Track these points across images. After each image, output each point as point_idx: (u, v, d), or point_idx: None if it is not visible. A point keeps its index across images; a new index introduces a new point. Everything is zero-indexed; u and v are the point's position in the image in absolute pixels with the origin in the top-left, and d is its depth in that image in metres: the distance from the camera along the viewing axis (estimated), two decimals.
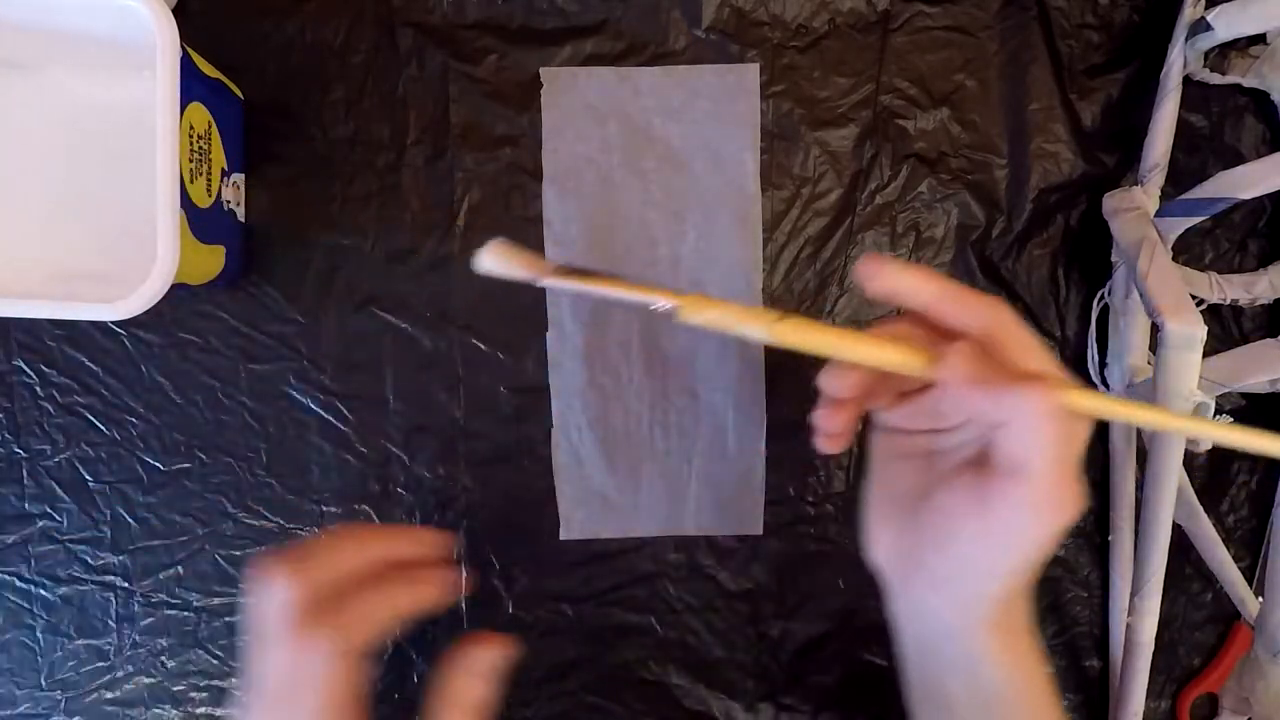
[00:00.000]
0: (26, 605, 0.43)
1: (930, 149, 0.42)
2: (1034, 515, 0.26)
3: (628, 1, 0.42)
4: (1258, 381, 0.41)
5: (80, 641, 0.43)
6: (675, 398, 0.43)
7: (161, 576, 0.43)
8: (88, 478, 0.43)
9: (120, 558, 0.43)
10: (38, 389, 0.42)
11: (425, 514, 0.43)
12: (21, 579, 0.43)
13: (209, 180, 0.37)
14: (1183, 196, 0.39)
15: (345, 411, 0.43)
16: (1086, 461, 0.43)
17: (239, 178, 0.41)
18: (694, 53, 0.42)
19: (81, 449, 0.43)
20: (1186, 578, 0.44)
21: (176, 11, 0.36)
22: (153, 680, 0.43)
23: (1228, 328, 0.44)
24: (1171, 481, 0.36)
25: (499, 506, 0.43)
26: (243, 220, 0.42)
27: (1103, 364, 0.43)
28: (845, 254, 0.43)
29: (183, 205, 0.34)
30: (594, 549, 0.43)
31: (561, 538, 0.43)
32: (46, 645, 0.43)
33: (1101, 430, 0.43)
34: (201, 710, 0.44)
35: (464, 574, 0.43)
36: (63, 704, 0.44)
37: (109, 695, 0.44)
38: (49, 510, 0.43)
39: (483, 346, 0.43)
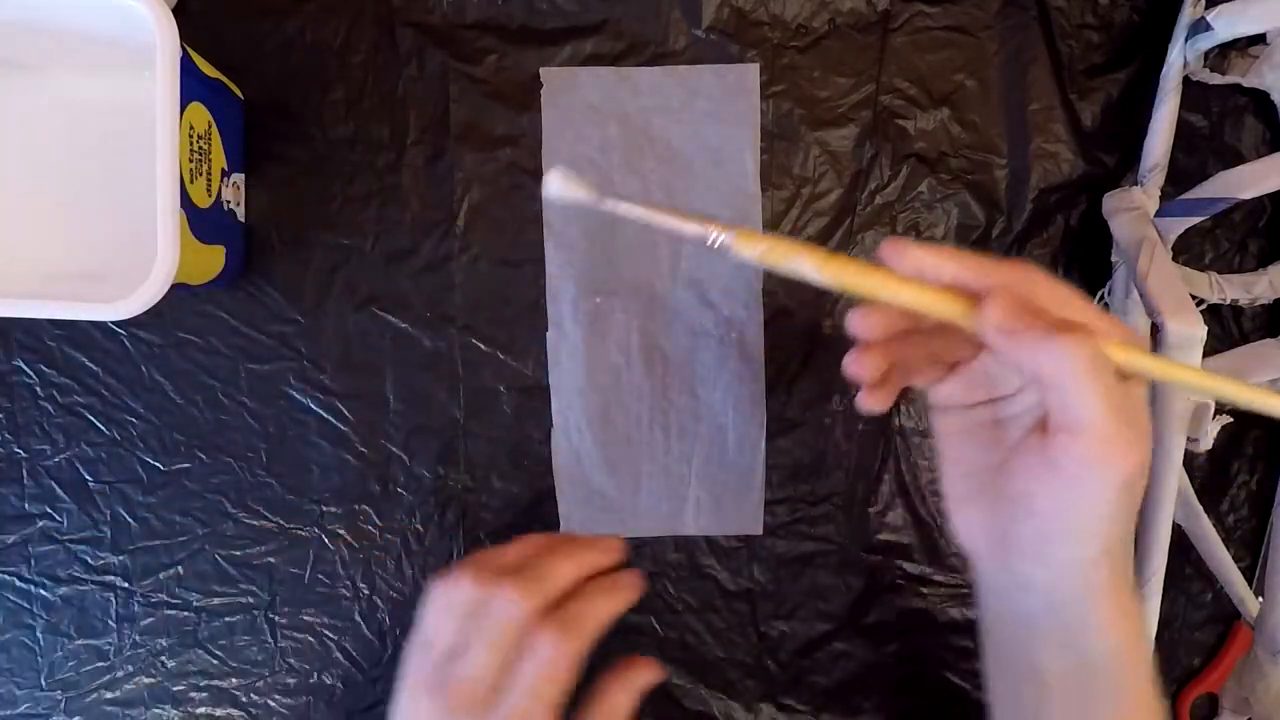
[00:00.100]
0: (26, 605, 0.43)
1: (930, 149, 0.42)
2: (1097, 469, 0.26)
3: (628, 1, 0.42)
4: (1258, 382, 0.41)
5: (80, 641, 0.43)
6: (675, 398, 0.43)
7: (161, 576, 0.43)
8: (88, 478, 0.43)
9: (120, 558, 0.43)
10: (38, 389, 0.42)
11: (425, 514, 0.43)
12: (21, 579, 0.43)
13: (209, 180, 0.37)
14: (1183, 196, 0.39)
15: (345, 411, 0.43)
16: None
17: (239, 178, 0.41)
18: (694, 53, 0.42)
19: (81, 449, 0.43)
20: (1186, 578, 0.44)
21: (176, 11, 0.36)
22: (153, 680, 0.44)
23: (1228, 328, 0.44)
24: (1171, 481, 0.36)
25: (499, 506, 0.43)
26: (243, 220, 0.42)
27: None
28: (845, 254, 0.43)
29: (183, 205, 0.34)
30: None
31: None
32: (46, 645, 0.43)
33: None
34: (201, 710, 0.44)
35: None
36: (63, 704, 0.44)
37: (109, 695, 0.44)
38: (49, 510, 0.43)
39: (483, 346, 0.43)
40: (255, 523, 0.43)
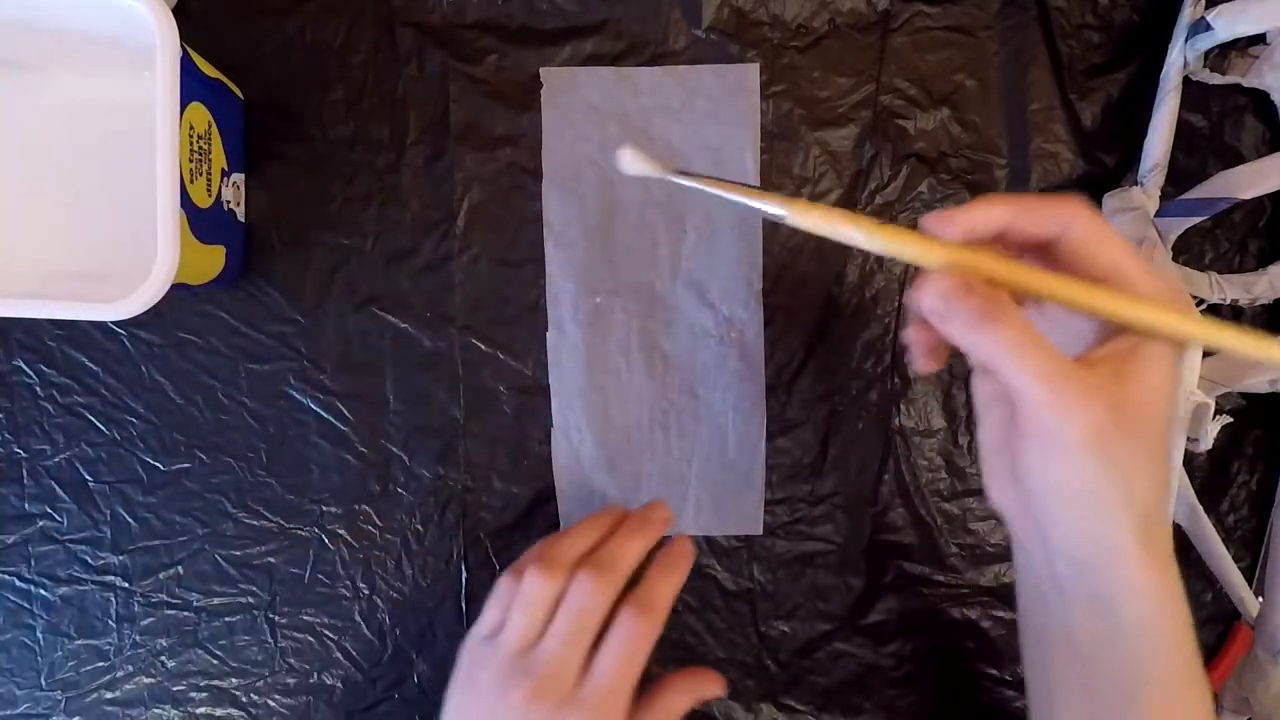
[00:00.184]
0: (26, 605, 0.43)
1: (930, 149, 0.42)
2: (1048, 436, 0.27)
3: (628, 1, 0.42)
4: (1258, 381, 0.41)
5: (80, 641, 0.43)
6: (675, 398, 0.43)
7: (161, 576, 0.43)
8: (88, 478, 0.43)
9: (120, 558, 0.43)
10: (38, 389, 0.42)
11: (425, 514, 0.43)
12: (21, 579, 0.43)
13: (209, 180, 0.37)
14: (1183, 196, 0.39)
15: (345, 411, 0.43)
16: None
17: (239, 178, 0.41)
18: (694, 53, 0.42)
19: (81, 449, 0.43)
20: (1186, 578, 0.44)
21: (176, 11, 0.36)
22: (153, 680, 0.44)
23: None
24: (1172, 481, 0.36)
25: (499, 507, 0.43)
26: (243, 220, 0.42)
27: None
28: (845, 254, 0.43)
29: (183, 205, 0.34)
30: None
31: None
32: (46, 645, 0.43)
33: None
34: (201, 710, 0.44)
35: (464, 572, 0.43)
36: (63, 704, 0.44)
37: (109, 695, 0.44)
38: (49, 510, 0.43)
39: (483, 346, 0.43)
40: (255, 523, 0.43)
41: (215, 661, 0.43)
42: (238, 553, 0.43)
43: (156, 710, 0.44)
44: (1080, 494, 0.28)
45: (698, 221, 0.42)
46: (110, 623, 0.43)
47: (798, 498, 0.43)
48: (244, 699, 0.44)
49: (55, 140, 0.40)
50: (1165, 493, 0.29)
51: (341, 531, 0.43)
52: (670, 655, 0.44)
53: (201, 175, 0.37)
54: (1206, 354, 0.36)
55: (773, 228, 0.42)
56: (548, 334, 0.42)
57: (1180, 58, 0.40)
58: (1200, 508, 0.41)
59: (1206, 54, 0.40)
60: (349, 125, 0.42)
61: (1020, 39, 0.42)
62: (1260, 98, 0.42)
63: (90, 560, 0.43)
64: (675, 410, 0.43)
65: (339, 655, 0.44)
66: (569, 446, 0.43)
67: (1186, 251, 0.43)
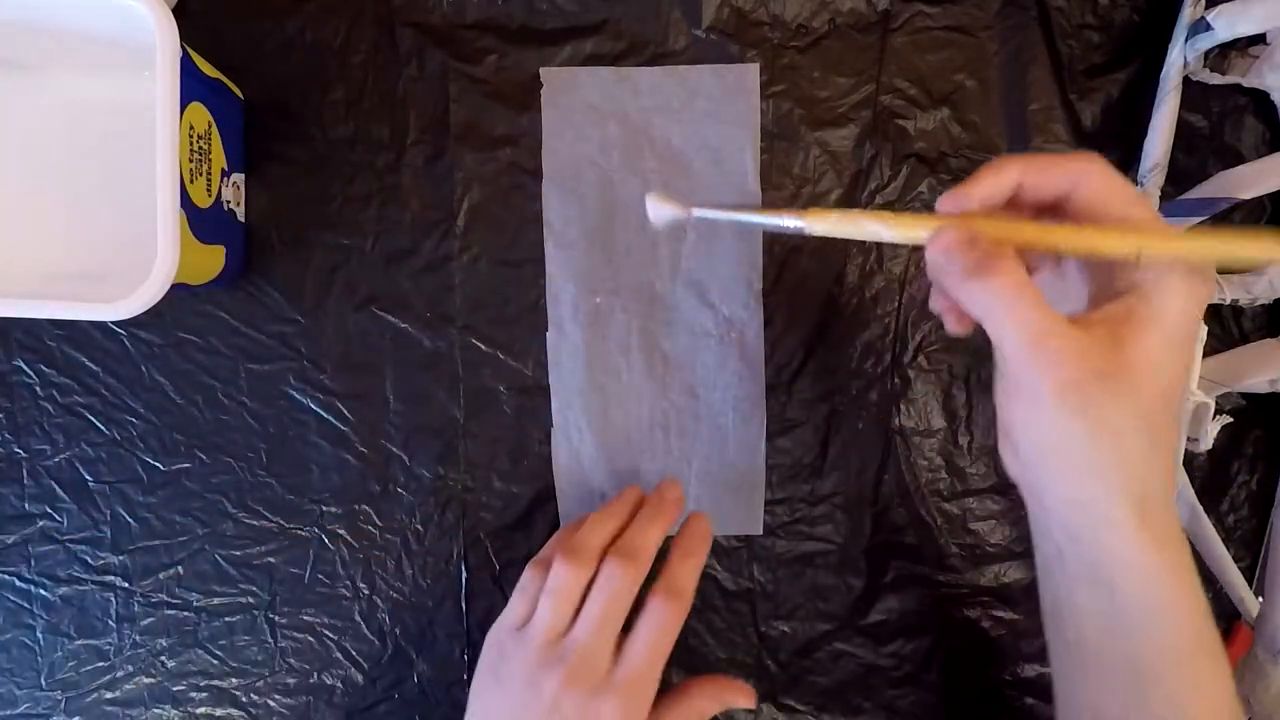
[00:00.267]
0: (26, 605, 0.43)
1: (930, 149, 0.42)
2: (1025, 394, 0.28)
3: (628, 1, 0.42)
4: (1258, 381, 0.41)
5: (80, 641, 0.43)
6: (675, 398, 0.43)
7: (161, 576, 0.43)
8: (88, 478, 0.43)
9: (120, 558, 0.43)
10: (38, 389, 0.42)
11: (425, 514, 0.43)
12: (21, 579, 0.43)
13: (209, 180, 0.37)
14: (1183, 196, 0.39)
15: (345, 411, 0.43)
16: None
17: (239, 178, 0.41)
18: (694, 53, 0.42)
19: (81, 449, 0.43)
20: None
21: (176, 11, 0.36)
22: (153, 680, 0.44)
23: (1228, 328, 0.44)
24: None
25: (499, 507, 0.43)
26: (243, 220, 0.42)
27: None
28: (846, 254, 0.43)
29: (183, 205, 0.34)
30: None
31: None
32: (46, 645, 0.43)
33: None
34: (201, 710, 0.44)
35: (464, 572, 0.43)
36: (63, 704, 0.44)
37: (109, 695, 0.44)
38: (49, 510, 0.43)
39: (483, 346, 0.43)
40: (255, 523, 0.43)
41: (215, 661, 0.43)
42: (238, 553, 0.43)
43: (156, 710, 0.44)
44: (1065, 455, 0.28)
45: (698, 221, 0.42)
46: (110, 623, 0.43)
47: (798, 498, 0.43)
48: (244, 699, 0.44)
49: (55, 140, 0.40)
50: (1168, 469, 0.29)
51: (341, 531, 0.43)
52: (671, 655, 0.44)
53: (201, 175, 0.37)
54: (1206, 354, 0.36)
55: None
56: (548, 334, 0.42)
57: (1180, 58, 0.40)
58: (1200, 508, 0.41)
59: (1206, 54, 0.40)
60: (349, 125, 0.42)
61: (1020, 39, 0.42)
62: (1260, 98, 0.42)
63: (90, 560, 0.43)
64: (675, 410, 0.43)
65: (339, 655, 0.44)
66: (569, 446, 0.43)
67: None
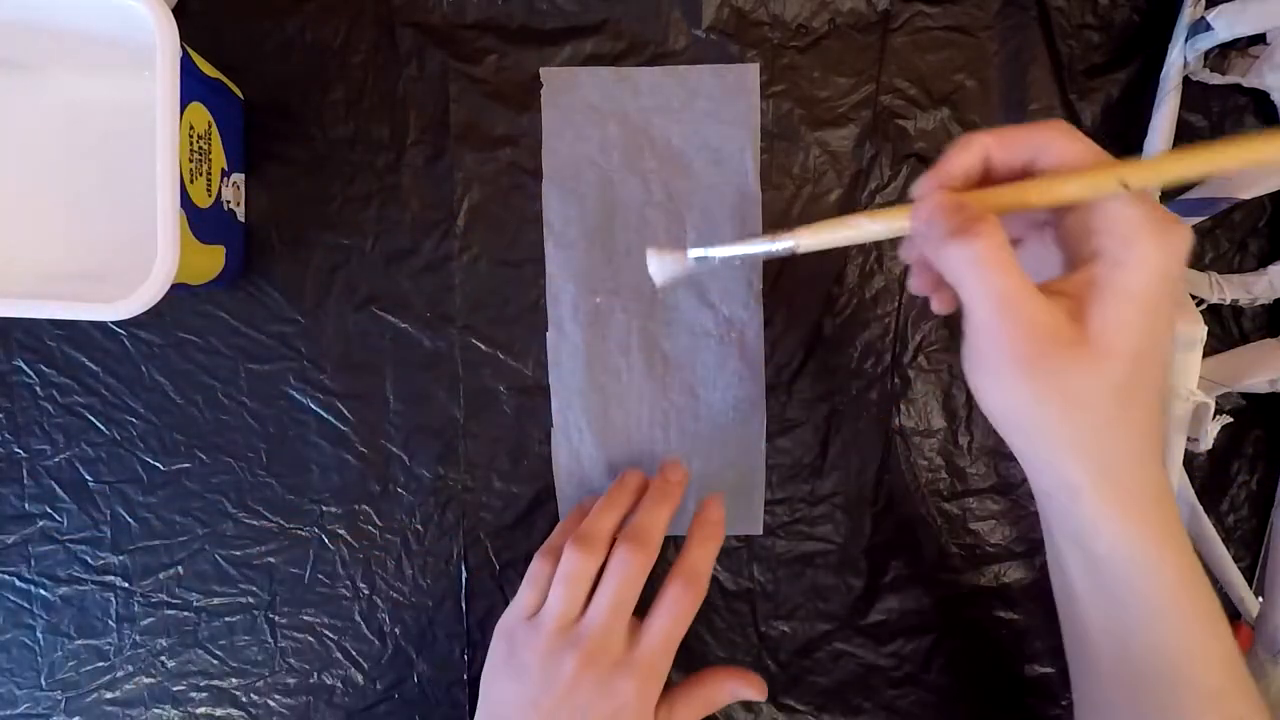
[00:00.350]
0: (26, 605, 0.43)
1: (930, 149, 0.42)
2: (987, 362, 0.28)
3: (628, 1, 0.42)
4: (1258, 381, 0.41)
5: (80, 641, 0.43)
6: (675, 398, 0.43)
7: (161, 576, 0.43)
8: (88, 478, 0.43)
9: (120, 558, 0.43)
10: (38, 389, 0.42)
11: (425, 514, 0.43)
12: (21, 579, 0.43)
13: (209, 180, 0.37)
14: (1183, 196, 0.39)
15: (345, 411, 0.43)
16: None
17: (239, 178, 0.41)
18: (694, 53, 0.42)
19: (81, 449, 0.43)
20: None
21: (176, 11, 0.36)
22: (153, 680, 0.44)
23: (1228, 328, 0.44)
24: (1172, 481, 0.36)
25: (499, 507, 0.43)
26: (243, 220, 0.42)
27: None
28: (845, 254, 0.43)
29: (183, 205, 0.34)
30: None
31: None
32: (46, 645, 0.43)
33: None
34: (201, 710, 0.44)
35: (464, 572, 0.43)
36: (63, 704, 0.44)
37: (109, 695, 0.44)
38: (49, 510, 0.43)
39: (483, 346, 0.43)
40: (255, 523, 0.43)
41: (215, 661, 0.43)
42: (238, 553, 0.43)
43: (156, 710, 0.44)
44: (1024, 423, 0.28)
45: (697, 221, 0.42)
46: (110, 623, 0.43)
47: (798, 498, 0.43)
48: (244, 699, 0.44)
49: (55, 140, 0.40)
50: (1145, 434, 0.29)
51: (341, 531, 0.43)
52: None
53: (201, 175, 0.37)
54: (1206, 354, 0.36)
55: (773, 227, 0.42)
56: (548, 334, 0.42)
57: (1180, 58, 0.40)
58: (1200, 508, 0.41)
59: (1206, 54, 0.40)
60: (349, 125, 0.42)
61: (1020, 39, 0.42)
62: (1260, 98, 0.42)
63: (90, 560, 0.43)
64: (675, 410, 0.43)
65: (339, 655, 0.44)
66: (569, 446, 0.43)
67: None
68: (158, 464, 0.43)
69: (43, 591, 0.43)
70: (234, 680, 0.44)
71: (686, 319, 0.42)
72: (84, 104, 0.40)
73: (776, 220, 0.42)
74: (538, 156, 0.42)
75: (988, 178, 0.29)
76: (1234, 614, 0.44)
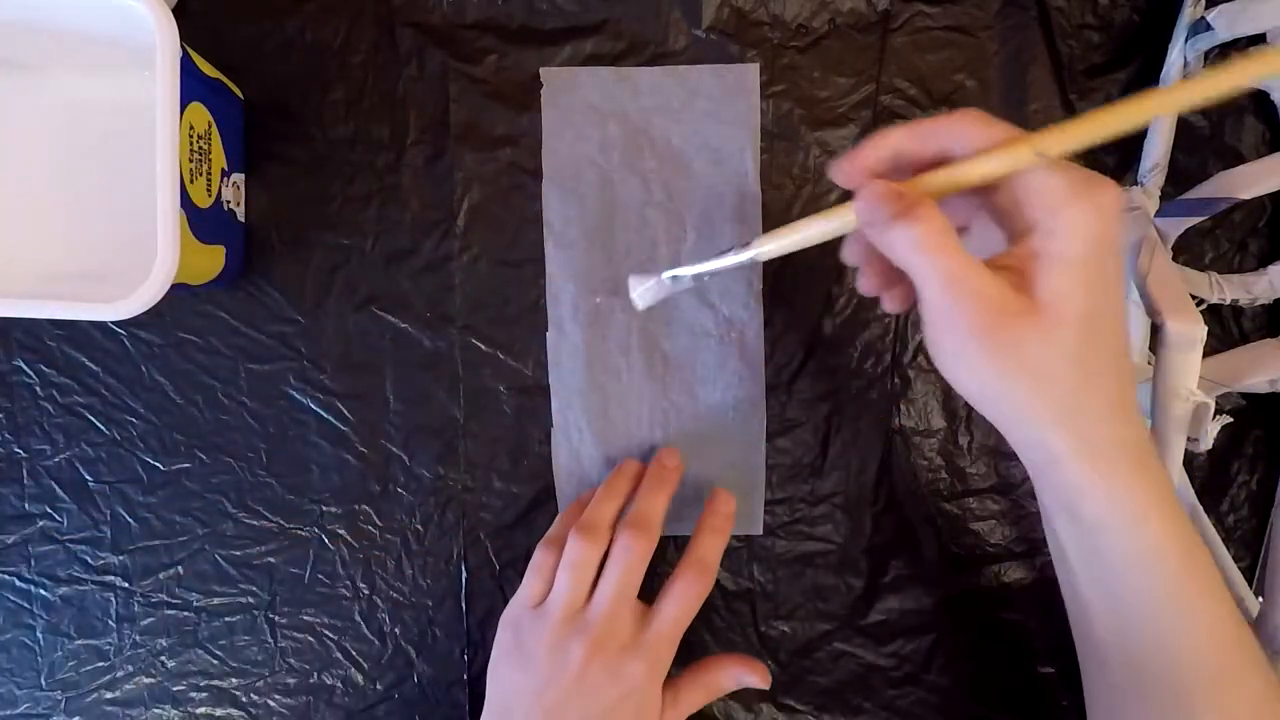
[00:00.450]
0: (26, 605, 0.43)
1: None
2: (944, 340, 0.28)
3: (628, 1, 0.42)
4: (1258, 381, 0.41)
5: (80, 641, 0.43)
6: (675, 398, 0.43)
7: (161, 576, 0.43)
8: (88, 478, 0.43)
9: (120, 558, 0.43)
10: (38, 389, 0.42)
11: (425, 514, 0.43)
12: (21, 579, 0.43)
13: (209, 180, 0.37)
14: (1183, 196, 0.39)
15: (345, 411, 0.43)
16: None
17: (239, 178, 0.41)
18: (694, 53, 0.42)
19: (81, 449, 0.43)
20: None
21: (176, 11, 0.36)
22: (153, 680, 0.44)
23: (1228, 328, 0.44)
24: (1173, 481, 0.36)
25: (499, 507, 0.43)
26: (243, 220, 0.42)
27: None
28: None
29: (183, 205, 0.34)
30: None
31: None
32: (46, 645, 0.43)
33: None
34: (201, 710, 0.44)
35: (464, 572, 0.43)
36: (63, 704, 0.44)
37: (109, 695, 0.44)
38: (49, 510, 0.43)
39: (483, 346, 0.43)
40: (255, 523, 0.43)
41: (215, 661, 0.43)
42: (238, 553, 0.43)
43: (156, 710, 0.44)
44: (995, 399, 0.29)
45: (697, 221, 0.42)
46: (110, 623, 0.43)
47: (798, 498, 0.43)
48: (244, 699, 0.44)
49: (55, 140, 0.40)
50: (1116, 398, 0.29)
51: (341, 531, 0.43)
52: None
53: (201, 175, 0.37)
54: (1206, 354, 0.36)
55: (773, 227, 0.42)
56: (548, 334, 0.42)
57: (1180, 58, 0.40)
58: (1200, 508, 0.41)
59: (1206, 54, 0.40)
60: (349, 125, 0.42)
61: (1020, 39, 0.42)
62: (1260, 98, 0.42)
63: (90, 560, 0.43)
64: (675, 410, 0.43)
65: (339, 655, 0.44)
66: (569, 446, 0.43)
67: (1186, 251, 0.43)
68: (158, 464, 0.43)
69: (43, 591, 0.43)
70: (234, 680, 0.44)
71: (686, 319, 0.42)
72: (84, 104, 0.40)
73: (777, 220, 0.42)
74: (538, 156, 0.42)
75: (905, 171, 0.30)
76: None
